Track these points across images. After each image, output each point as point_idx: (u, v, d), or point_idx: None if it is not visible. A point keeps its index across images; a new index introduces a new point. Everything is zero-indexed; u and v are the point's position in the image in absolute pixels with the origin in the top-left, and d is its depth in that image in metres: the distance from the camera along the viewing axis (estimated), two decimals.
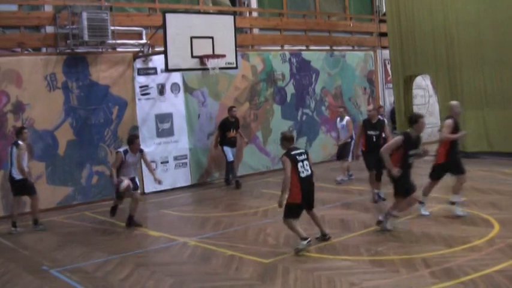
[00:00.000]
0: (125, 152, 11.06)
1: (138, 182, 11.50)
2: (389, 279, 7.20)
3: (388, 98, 20.73)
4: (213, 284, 7.51)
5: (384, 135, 12.53)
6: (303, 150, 8.90)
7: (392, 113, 19.73)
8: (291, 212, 8.75)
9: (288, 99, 18.04)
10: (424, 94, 22.06)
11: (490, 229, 9.14)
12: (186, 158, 15.60)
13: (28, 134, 11.62)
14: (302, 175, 8.58)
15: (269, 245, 9.34)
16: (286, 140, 8.87)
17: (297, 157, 8.64)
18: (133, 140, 11.21)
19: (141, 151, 11.37)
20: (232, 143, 15.24)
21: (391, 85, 20.09)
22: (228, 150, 15.10)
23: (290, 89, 18.09)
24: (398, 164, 9.15)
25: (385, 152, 9.24)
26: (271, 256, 8.55)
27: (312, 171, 8.79)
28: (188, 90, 15.71)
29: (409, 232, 9.44)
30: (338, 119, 15.37)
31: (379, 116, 14.65)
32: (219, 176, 16.17)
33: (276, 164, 17.15)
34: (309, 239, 8.67)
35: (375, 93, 20.64)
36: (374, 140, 12.19)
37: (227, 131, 15.17)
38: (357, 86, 20.08)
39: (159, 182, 11.62)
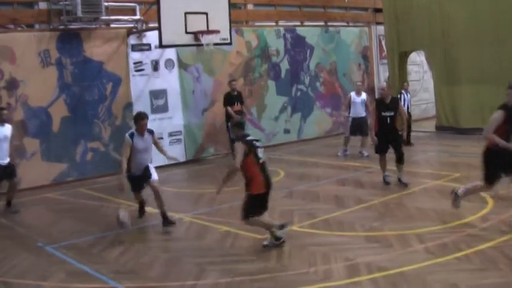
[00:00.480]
0: (131, 135, 9.26)
1: (151, 170, 9.51)
2: (383, 255, 7.25)
3: (382, 74, 20.68)
4: (208, 260, 7.54)
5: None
6: (257, 138, 8.39)
7: None
8: (254, 206, 7.92)
9: (283, 75, 17.98)
10: (419, 70, 22.05)
11: (484, 205, 9.21)
12: (181, 134, 15.57)
13: (10, 113, 11.14)
14: (261, 161, 8.00)
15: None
16: (238, 126, 8.22)
17: (254, 143, 8.01)
18: (137, 119, 9.37)
19: (152, 132, 9.53)
20: None
21: (385, 61, 20.08)
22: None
23: (285, 65, 18.02)
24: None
25: (490, 135, 7.96)
26: (266, 232, 8.56)
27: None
28: (182, 66, 15.63)
29: (403, 208, 9.50)
30: (353, 93, 15.34)
31: (403, 91, 14.80)
32: (214, 151, 16.16)
33: (270, 140, 17.20)
34: (287, 224, 8.13)
35: (369, 69, 20.60)
36: (388, 121, 11.09)
37: (232, 104, 15.02)
38: (352, 62, 20.02)
39: (174, 158, 10.69)
